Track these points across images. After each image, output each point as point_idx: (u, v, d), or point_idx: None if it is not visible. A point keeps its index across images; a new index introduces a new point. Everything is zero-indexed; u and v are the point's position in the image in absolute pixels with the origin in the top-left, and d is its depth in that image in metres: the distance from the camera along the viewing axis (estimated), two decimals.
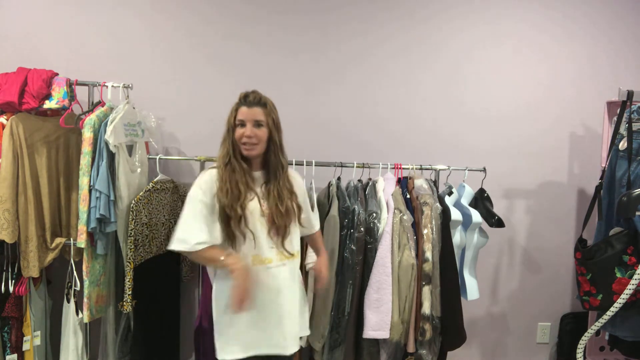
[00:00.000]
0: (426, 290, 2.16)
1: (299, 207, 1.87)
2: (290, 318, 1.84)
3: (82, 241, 2.17)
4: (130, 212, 2.22)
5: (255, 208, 1.78)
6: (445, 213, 2.24)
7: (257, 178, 1.85)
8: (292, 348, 1.83)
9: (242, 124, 1.78)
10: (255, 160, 1.85)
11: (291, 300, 1.85)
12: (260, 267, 1.78)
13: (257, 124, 1.78)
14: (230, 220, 1.73)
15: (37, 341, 2.37)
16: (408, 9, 2.79)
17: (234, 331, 1.78)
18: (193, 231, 1.72)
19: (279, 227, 1.79)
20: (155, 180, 2.38)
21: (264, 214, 1.78)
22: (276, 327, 1.80)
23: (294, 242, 1.87)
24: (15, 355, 2.31)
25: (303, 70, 2.77)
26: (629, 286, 1.96)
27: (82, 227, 2.17)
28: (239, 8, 2.72)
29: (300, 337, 1.95)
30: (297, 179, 1.97)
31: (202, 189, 1.76)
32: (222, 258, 1.71)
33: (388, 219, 2.19)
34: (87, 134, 2.17)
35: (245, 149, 1.79)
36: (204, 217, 1.74)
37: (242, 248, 1.77)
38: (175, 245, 1.72)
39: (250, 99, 1.80)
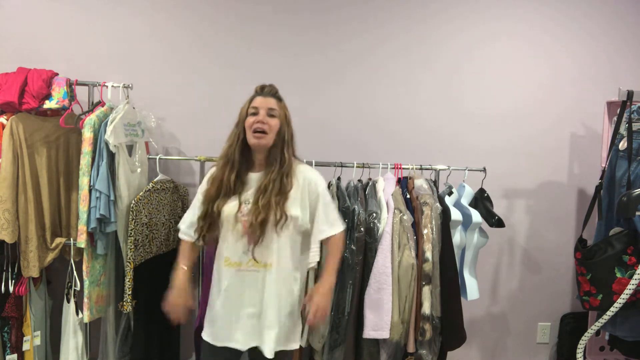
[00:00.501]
0: (426, 290, 2.16)
1: (283, 213, 1.72)
2: (256, 319, 1.77)
3: (82, 241, 2.17)
4: (130, 212, 2.22)
5: (231, 212, 1.74)
6: (445, 213, 2.24)
7: (252, 180, 1.79)
8: (247, 346, 1.78)
9: (255, 112, 1.77)
10: (260, 155, 1.80)
11: (266, 304, 1.76)
12: (230, 269, 1.79)
13: (271, 113, 1.78)
14: (204, 222, 1.77)
15: (37, 341, 2.37)
16: (407, 10, 2.79)
17: (209, 317, 1.86)
18: (183, 219, 1.93)
19: (253, 229, 1.71)
20: (155, 180, 2.38)
21: (239, 220, 1.73)
22: (236, 324, 1.78)
23: (269, 251, 1.75)
24: (15, 355, 2.31)
25: (303, 69, 2.77)
26: (629, 286, 1.96)
27: (82, 227, 2.17)
28: (239, 8, 2.72)
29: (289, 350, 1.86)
30: (302, 177, 1.82)
31: (204, 182, 1.87)
32: (180, 266, 1.88)
33: (388, 219, 2.19)
34: (87, 134, 2.17)
35: (255, 137, 1.74)
36: (195, 210, 1.86)
37: (218, 246, 1.83)
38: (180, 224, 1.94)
39: (266, 90, 1.83)
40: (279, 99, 1.83)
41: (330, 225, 1.84)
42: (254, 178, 1.79)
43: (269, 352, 1.75)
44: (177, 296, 1.79)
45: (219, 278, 1.83)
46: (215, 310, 1.83)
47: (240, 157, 1.79)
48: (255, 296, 1.77)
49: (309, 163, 2.35)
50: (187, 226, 1.89)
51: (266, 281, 1.77)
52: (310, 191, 1.82)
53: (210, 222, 1.77)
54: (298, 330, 1.88)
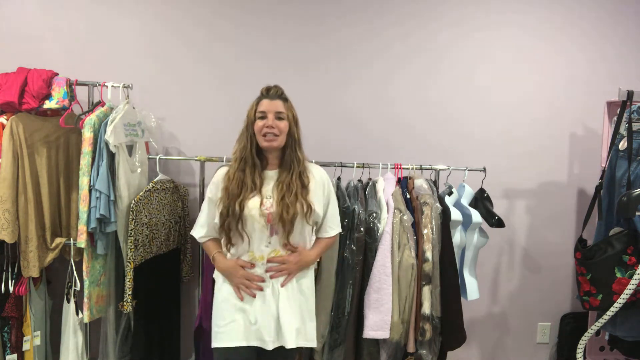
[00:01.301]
0: (426, 290, 2.16)
1: (309, 205, 1.81)
2: (281, 315, 1.80)
3: (82, 241, 2.17)
4: (130, 212, 2.22)
5: (254, 206, 1.78)
6: (445, 213, 2.24)
7: (269, 177, 1.85)
8: (273, 345, 1.80)
9: (263, 116, 1.81)
10: (272, 155, 1.86)
11: (285, 299, 1.82)
12: (253, 262, 1.83)
13: (279, 116, 1.82)
14: (227, 218, 1.78)
15: (37, 341, 2.37)
16: (413, 14, 2.79)
17: (225, 321, 1.82)
18: (197, 227, 1.94)
19: (284, 222, 1.77)
20: (155, 180, 2.38)
21: (263, 214, 1.77)
22: (262, 321, 1.79)
23: (297, 239, 1.85)
24: (15, 355, 2.31)
25: (304, 69, 2.77)
26: (629, 286, 1.96)
27: (82, 227, 2.17)
28: (238, 8, 2.72)
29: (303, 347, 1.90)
30: (318, 175, 1.93)
31: (214, 184, 1.89)
32: (212, 256, 1.90)
33: (388, 219, 2.19)
34: (87, 134, 2.17)
35: (266, 140, 1.80)
36: (210, 212, 1.89)
37: (238, 244, 1.82)
38: (192, 232, 1.96)
39: (272, 92, 1.86)
40: (285, 100, 1.87)
41: (336, 226, 1.98)
42: (270, 175, 1.86)
43: (291, 342, 1.77)
44: (241, 270, 1.81)
45: (236, 274, 1.83)
46: (230, 310, 1.82)
47: (254, 156, 1.85)
48: (280, 293, 1.82)
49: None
50: (207, 230, 1.92)
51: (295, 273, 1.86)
52: (324, 189, 1.92)
53: (235, 218, 1.78)
54: (312, 326, 1.91)
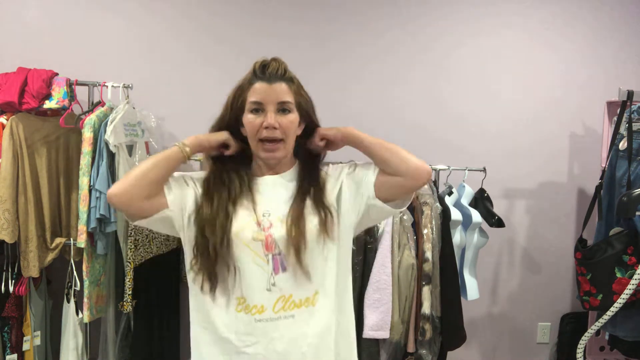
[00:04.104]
0: (426, 290, 2.16)
1: (328, 210, 1.19)
2: None
3: (82, 241, 2.17)
4: None
5: (244, 227, 1.17)
6: (445, 213, 2.24)
7: (261, 185, 1.24)
8: None
9: (258, 109, 1.18)
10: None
11: None
12: (246, 317, 1.16)
13: (283, 107, 1.19)
14: (207, 248, 1.14)
15: (37, 341, 2.37)
16: (410, 15, 2.79)
17: None
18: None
19: (296, 249, 1.14)
20: None
21: (257, 239, 1.16)
22: None
23: (315, 277, 1.18)
24: (15, 355, 2.31)
25: (305, 69, 2.76)
26: (629, 286, 1.96)
27: (82, 227, 2.16)
28: (239, 7, 2.72)
29: None
30: (332, 169, 1.31)
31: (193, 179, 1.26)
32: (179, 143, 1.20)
33: (388, 219, 2.19)
34: (87, 134, 2.17)
35: (265, 150, 1.18)
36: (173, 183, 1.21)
37: (223, 285, 1.16)
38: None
39: (271, 70, 1.20)
40: (291, 80, 1.23)
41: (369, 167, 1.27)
42: (268, 182, 1.24)
43: None
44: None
45: (216, 339, 1.17)
46: None
47: (237, 161, 1.26)
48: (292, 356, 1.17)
49: None
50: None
51: (310, 327, 1.18)
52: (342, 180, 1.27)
53: (214, 247, 1.14)
54: None
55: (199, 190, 1.22)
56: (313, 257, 1.17)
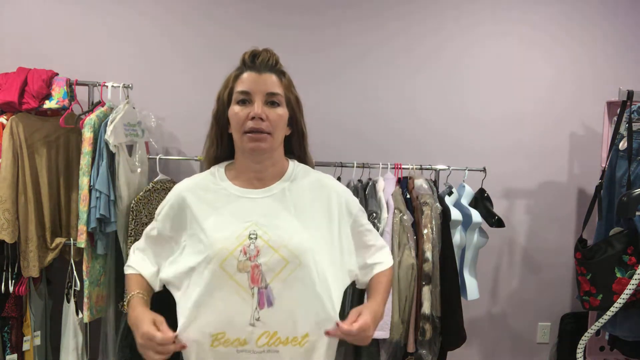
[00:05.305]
0: (426, 290, 2.16)
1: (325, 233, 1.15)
2: None
3: (82, 241, 2.17)
4: (130, 212, 2.22)
5: (222, 252, 1.09)
6: (445, 213, 2.24)
7: (251, 201, 1.16)
8: None
9: (246, 100, 1.13)
10: (257, 165, 1.18)
11: None
12: (225, 349, 1.10)
13: (271, 99, 1.14)
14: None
15: (37, 341, 2.37)
16: (410, 10, 2.79)
17: None
18: (132, 255, 1.31)
19: (283, 273, 1.09)
20: (155, 180, 2.38)
21: (241, 269, 1.08)
22: None
23: (297, 313, 1.12)
24: (15, 355, 2.31)
25: (303, 68, 2.76)
26: (629, 286, 1.96)
27: (82, 227, 2.17)
28: (240, 6, 2.72)
29: None
30: (340, 192, 1.26)
31: (169, 205, 1.22)
32: (128, 298, 1.22)
33: (388, 219, 2.19)
34: (87, 134, 2.17)
35: (251, 140, 1.11)
36: (155, 249, 1.26)
37: (199, 314, 1.19)
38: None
39: (260, 60, 1.17)
40: (282, 73, 1.20)
41: (381, 251, 1.34)
42: (257, 197, 1.16)
43: None
44: (149, 329, 1.16)
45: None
46: None
47: (225, 169, 1.20)
48: None
49: None
50: (140, 259, 1.28)
51: None
52: (347, 212, 1.27)
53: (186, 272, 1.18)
54: None
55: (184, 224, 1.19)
56: (298, 286, 1.12)
